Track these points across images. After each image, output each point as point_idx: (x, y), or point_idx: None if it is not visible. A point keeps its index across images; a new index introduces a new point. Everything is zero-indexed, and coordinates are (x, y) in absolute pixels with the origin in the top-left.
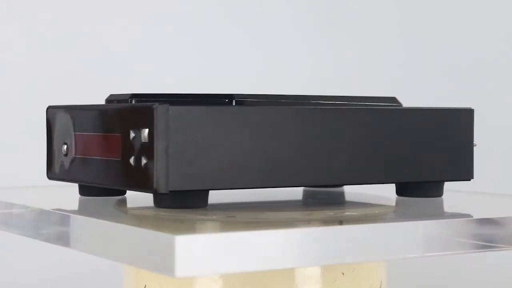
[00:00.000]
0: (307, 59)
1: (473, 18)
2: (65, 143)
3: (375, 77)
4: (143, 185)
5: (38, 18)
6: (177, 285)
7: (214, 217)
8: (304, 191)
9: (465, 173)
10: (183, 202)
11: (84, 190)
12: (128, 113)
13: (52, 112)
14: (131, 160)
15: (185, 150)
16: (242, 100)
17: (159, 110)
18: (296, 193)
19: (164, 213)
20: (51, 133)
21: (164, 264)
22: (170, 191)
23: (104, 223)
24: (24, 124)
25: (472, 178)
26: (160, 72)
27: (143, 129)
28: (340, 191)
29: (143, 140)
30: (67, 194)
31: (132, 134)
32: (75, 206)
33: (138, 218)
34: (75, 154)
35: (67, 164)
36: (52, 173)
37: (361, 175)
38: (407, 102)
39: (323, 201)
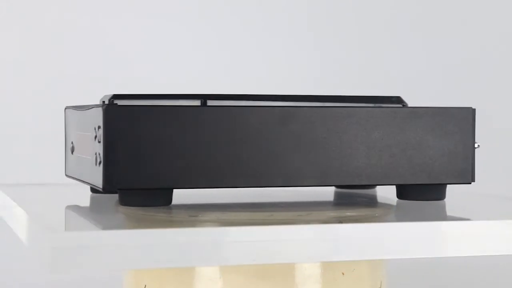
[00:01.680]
0: (308, 59)
1: (476, 17)
2: (71, 142)
3: (379, 77)
4: (97, 183)
5: (38, 19)
6: (177, 285)
7: (171, 216)
8: (335, 192)
9: (465, 175)
10: (143, 200)
11: (94, 188)
12: (92, 114)
13: (67, 112)
14: (94, 159)
15: (134, 149)
16: (216, 100)
17: (107, 110)
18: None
19: (130, 211)
20: (65, 133)
21: (43, 260)
22: (119, 189)
23: (25, 217)
24: (30, 123)
25: (473, 181)
26: (161, 72)
27: (99, 129)
28: (349, 193)
29: (99, 140)
30: (81, 192)
31: (94, 134)
32: (52, 201)
33: (76, 213)
34: (76, 153)
35: (73, 162)
36: (67, 170)
37: (342, 176)
38: (410, 102)
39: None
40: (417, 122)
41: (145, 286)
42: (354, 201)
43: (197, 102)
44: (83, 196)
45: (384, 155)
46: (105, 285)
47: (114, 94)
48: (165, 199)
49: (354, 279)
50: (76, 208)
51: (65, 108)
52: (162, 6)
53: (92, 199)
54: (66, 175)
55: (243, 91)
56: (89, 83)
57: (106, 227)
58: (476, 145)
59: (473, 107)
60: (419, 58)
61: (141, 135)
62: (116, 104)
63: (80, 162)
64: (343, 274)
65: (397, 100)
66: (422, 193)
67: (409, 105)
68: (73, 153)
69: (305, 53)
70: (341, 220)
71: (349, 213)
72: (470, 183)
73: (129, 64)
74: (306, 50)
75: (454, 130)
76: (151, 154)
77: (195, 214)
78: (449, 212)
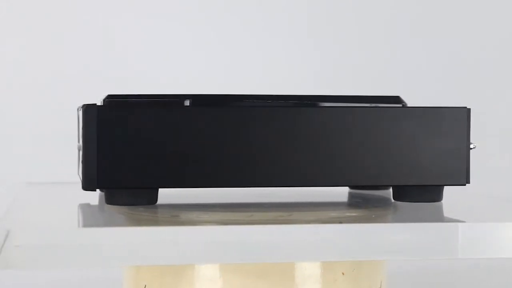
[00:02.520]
0: (307, 59)
1: (477, 16)
2: (78, 142)
3: (381, 76)
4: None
5: (39, 19)
6: (177, 285)
7: (153, 215)
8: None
9: (460, 177)
10: (127, 199)
11: None
12: (80, 114)
13: (78, 113)
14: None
15: (111, 149)
16: (197, 101)
17: (87, 110)
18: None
19: (115, 209)
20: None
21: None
22: (99, 189)
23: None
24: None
25: (468, 182)
26: (162, 72)
27: (82, 129)
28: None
29: (82, 140)
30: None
31: (80, 134)
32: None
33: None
34: (80, 153)
35: (79, 161)
36: (78, 170)
37: (334, 178)
38: (413, 102)
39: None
40: (409, 122)
41: (145, 286)
42: (351, 202)
43: (186, 103)
44: (80, 194)
45: (375, 155)
46: (105, 285)
47: (109, 94)
48: (149, 198)
49: (354, 279)
50: (60, 206)
51: (77, 109)
52: (162, 7)
53: (92, 197)
54: (78, 174)
55: (240, 91)
56: (101, 83)
57: (78, 225)
58: (472, 146)
59: (468, 107)
60: (422, 58)
61: (118, 135)
62: (94, 104)
63: (79, 161)
64: (343, 274)
65: (396, 99)
66: (418, 195)
67: (409, 105)
68: (80, 152)
69: (304, 52)
70: (341, 221)
71: (336, 214)
72: (465, 185)
73: (131, 64)
74: (305, 49)
75: (448, 130)
76: (129, 154)
77: (177, 214)
78: (446, 214)
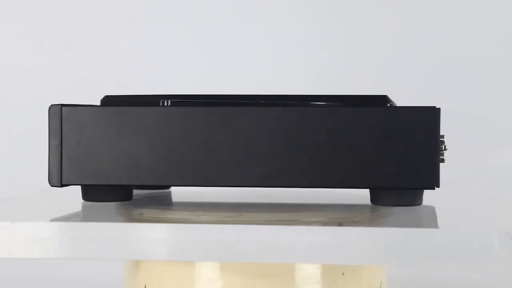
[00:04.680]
0: (306, 57)
1: (470, 16)
2: None
3: (368, 76)
4: None
5: (38, 20)
6: (177, 285)
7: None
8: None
9: (429, 180)
10: (100, 196)
11: None
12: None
13: None
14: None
15: (77, 147)
16: (176, 101)
17: (52, 110)
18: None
19: (88, 205)
20: None
21: None
22: (63, 185)
23: None
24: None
25: (438, 186)
26: (164, 72)
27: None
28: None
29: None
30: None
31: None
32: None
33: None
34: None
35: None
36: None
37: (284, 178)
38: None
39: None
40: (378, 122)
41: (145, 286)
42: (335, 204)
43: (165, 103)
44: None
45: (339, 157)
46: (105, 285)
47: (106, 96)
48: (124, 196)
49: (354, 279)
50: (50, 204)
51: None
52: (163, 7)
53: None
54: None
55: (238, 92)
56: (106, 84)
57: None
58: (443, 147)
59: (437, 106)
60: (422, 58)
61: (83, 134)
62: (60, 104)
63: None
64: (343, 274)
65: (383, 99)
66: (395, 198)
67: (397, 105)
68: None
69: (300, 51)
70: (341, 223)
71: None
72: (434, 189)
73: (134, 65)
74: (300, 48)
75: (415, 131)
76: (91, 152)
77: (142, 212)
78: (419, 219)
